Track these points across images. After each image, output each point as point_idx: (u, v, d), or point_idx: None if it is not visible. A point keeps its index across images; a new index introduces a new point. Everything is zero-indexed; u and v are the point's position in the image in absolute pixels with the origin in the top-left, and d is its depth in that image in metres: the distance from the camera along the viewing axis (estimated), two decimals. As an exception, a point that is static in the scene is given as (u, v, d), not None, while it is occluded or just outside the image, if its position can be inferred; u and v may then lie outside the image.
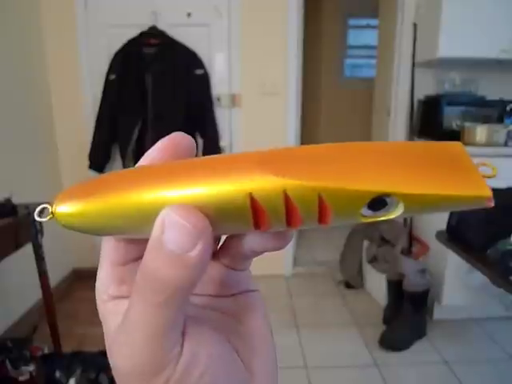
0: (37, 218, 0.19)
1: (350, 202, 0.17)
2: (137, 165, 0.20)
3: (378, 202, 0.17)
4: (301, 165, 0.17)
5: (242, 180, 0.17)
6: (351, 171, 0.17)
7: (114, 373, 0.19)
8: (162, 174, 0.18)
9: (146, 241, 0.17)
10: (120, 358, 0.18)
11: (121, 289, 0.21)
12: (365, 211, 0.18)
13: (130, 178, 0.19)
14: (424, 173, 0.18)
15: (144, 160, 0.20)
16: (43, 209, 0.20)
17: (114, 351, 0.18)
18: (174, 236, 0.16)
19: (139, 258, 0.20)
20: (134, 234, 0.19)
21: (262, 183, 0.17)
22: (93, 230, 0.19)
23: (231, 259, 0.23)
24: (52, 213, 0.19)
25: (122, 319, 0.18)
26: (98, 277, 0.21)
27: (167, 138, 0.20)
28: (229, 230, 0.20)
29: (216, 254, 0.23)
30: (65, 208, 0.18)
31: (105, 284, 0.21)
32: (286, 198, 0.17)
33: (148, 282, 0.16)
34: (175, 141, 0.20)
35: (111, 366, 0.19)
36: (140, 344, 0.17)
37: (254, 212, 0.17)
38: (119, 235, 0.20)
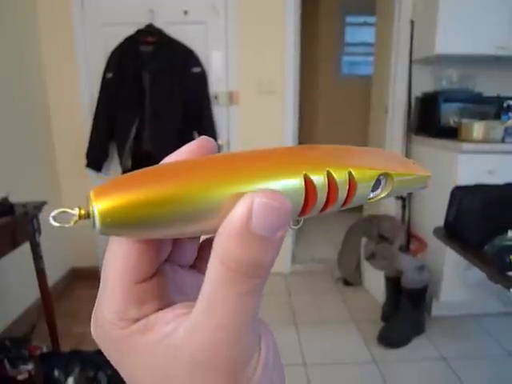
0: (53, 223, 0.16)
1: (369, 179, 0.22)
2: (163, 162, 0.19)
3: (376, 183, 0.23)
4: (327, 155, 0.22)
5: (296, 164, 0.19)
6: (360, 160, 0.23)
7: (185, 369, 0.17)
8: (219, 165, 0.18)
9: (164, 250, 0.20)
10: (209, 359, 0.17)
11: (144, 309, 0.19)
12: (369, 193, 0.23)
13: (184, 169, 0.18)
14: (396, 163, 0.25)
15: (170, 159, 0.20)
16: (61, 213, 0.17)
17: (201, 355, 0.17)
18: (265, 219, 0.15)
19: (157, 272, 0.20)
20: (186, 228, 0.17)
21: (314, 164, 0.20)
22: (141, 225, 0.16)
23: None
24: (87, 214, 0.16)
25: (203, 317, 0.17)
26: (102, 304, 0.19)
27: (194, 142, 0.21)
28: None
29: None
30: (112, 202, 0.15)
31: (119, 310, 0.19)
32: (329, 177, 0.20)
33: (246, 269, 0.16)
34: (202, 143, 0.21)
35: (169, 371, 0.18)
36: (233, 338, 0.17)
37: (307, 190, 0.19)
38: (163, 232, 0.17)
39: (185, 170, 0.17)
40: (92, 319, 0.20)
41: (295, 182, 0.19)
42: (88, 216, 0.16)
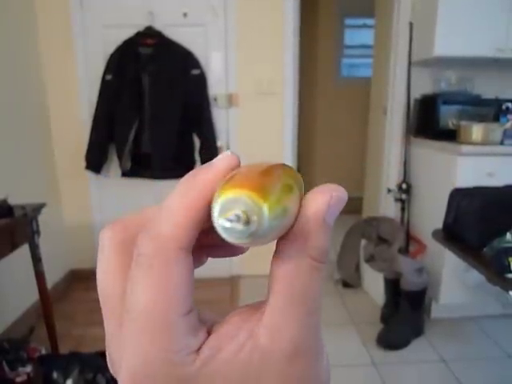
0: (226, 225, 0.14)
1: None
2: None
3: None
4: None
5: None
6: None
7: None
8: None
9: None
10: (300, 341, 0.17)
11: (199, 336, 0.17)
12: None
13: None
14: None
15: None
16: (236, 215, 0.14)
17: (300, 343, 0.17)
18: (337, 211, 0.17)
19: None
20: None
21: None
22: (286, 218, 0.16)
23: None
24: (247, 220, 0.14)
25: (294, 309, 0.17)
26: (155, 347, 0.16)
27: (219, 159, 0.18)
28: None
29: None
30: (270, 204, 0.15)
31: (186, 346, 0.17)
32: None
33: (322, 257, 0.17)
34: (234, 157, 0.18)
35: None
36: (319, 319, 0.18)
37: None
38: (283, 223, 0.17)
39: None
40: (127, 367, 0.17)
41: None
42: (247, 222, 0.14)
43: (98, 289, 0.19)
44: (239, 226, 0.14)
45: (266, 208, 0.14)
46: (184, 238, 0.16)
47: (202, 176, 0.17)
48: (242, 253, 0.21)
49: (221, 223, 0.14)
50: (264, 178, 0.15)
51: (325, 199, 0.16)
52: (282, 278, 0.17)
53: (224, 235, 0.15)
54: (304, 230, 0.17)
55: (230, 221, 0.14)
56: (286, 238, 0.17)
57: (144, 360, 0.16)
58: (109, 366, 0.19)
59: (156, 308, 0.16)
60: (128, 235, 0.19)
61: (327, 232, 0.17)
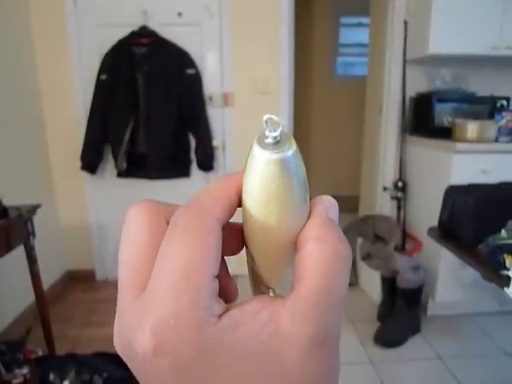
0: (270, 116, 0.18)
1: None
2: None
3: None
4: None
5: None
6: None
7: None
8: None
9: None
10: (326, 326, 0.18)
11: (222, 304, 0.18)
12: None
13: None
14: None
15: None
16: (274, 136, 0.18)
17: (322, 329, 0.18)
18: (336, 212, 0.21)
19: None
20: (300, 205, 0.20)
21: None
22: (301, 177, 0.19)
23: None
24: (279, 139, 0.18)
25: (321, 295, 0.18)
26: (181, 302, 0.17)
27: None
28: None
29: None
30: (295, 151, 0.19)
31: (208, 305, 0.17)
32: None
33: (343, 246, 0.19)
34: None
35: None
36: (343, 305, 0.19)
37: None
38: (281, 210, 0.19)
39: None
40: (151, 328, 0.17)
41: None
42: (277, 142, 0.18)
43: (120, 258, 0.20)
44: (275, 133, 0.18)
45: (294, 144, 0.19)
46: (221, 213, 0.19)
47: (235, 174, 0.21)
48: (238, 252, 0.23)
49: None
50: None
51: (322, 202, 0.21)
52: (307, 268, 0.18)
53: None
54: (317, 223, 0.20)
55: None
56: (305, 232, 0.19)
57: (171, 313, 0.17)
58: (116, 344, 0.19)
59: (190, 264, 0.17)
60: (156, 209, 0.21)
61: (337, 226, 0.20)
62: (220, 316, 0.18)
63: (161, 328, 0.17)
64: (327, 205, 0.21)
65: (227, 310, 0.18)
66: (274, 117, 0.18)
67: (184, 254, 0.17)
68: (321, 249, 0.18)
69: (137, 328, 0.17)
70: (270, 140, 0.18)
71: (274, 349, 0.17)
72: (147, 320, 0.17)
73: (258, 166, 0.18)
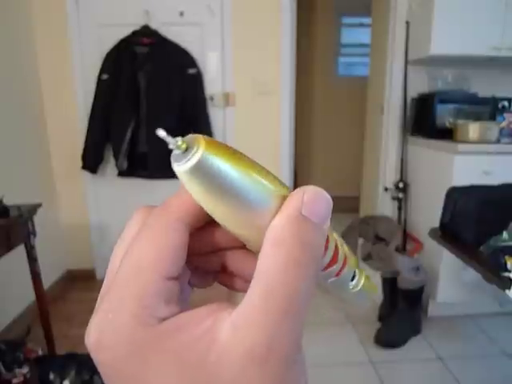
0: (160, 133, 0.17)
1: (354, 264, 0.23)
2: None
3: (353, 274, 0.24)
4: None
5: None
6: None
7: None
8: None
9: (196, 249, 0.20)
10: (266, 342, 0.16)
11: (170, 308, 0.17)
12: (350, 281, 0.24)
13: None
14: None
15: None
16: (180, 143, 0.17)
17: (272, 345, 0.16)
18: (320, 208, 0.17)
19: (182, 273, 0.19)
20: (247, 207, 0.18)
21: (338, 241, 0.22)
22: (226, 181, 0.17)
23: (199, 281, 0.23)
24: (185, 149, 0.17)
25: (263, 305, 0.16)
26: (124, 298, 0.17)
27: None
28: None
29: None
30: (218, 150, 0.17)
31: (151, 305, 0.17)
32: (336, 244, 0.21)
33: (304, 252, 0.17)
34: None
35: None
36: (300, 324, 0.17)
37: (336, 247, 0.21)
38: (231, 210, 0.18)
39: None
40: (95, 322, 0.17)
41: (332, 245, 0.21)
42: (185, 150, 0.17)
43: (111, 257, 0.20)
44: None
45: (202, 148, 0.17)
46: (186, 214, 0.19)
47: None
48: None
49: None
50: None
51: (298, 196, 0.17)
52: (258, 272, 0.17)
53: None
54: (278, 222, 0.17)
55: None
56: (267, 232, 0.17)
57: (112, 308, 0.17)
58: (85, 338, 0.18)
59: (142, 262, 0.17)
60: (151, 211, 0.20)
61: (309, 227, 0.17)
62: (164, 319, 0.17)
63: (102, 323, 0.17)
64: (306, 199, 0.17)
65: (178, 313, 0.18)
66: (160, 132, 0.17)
67: (139, 252, 0.18)
68: (274, 253, 0.16)
69: (89, 323, 0.18)
70: (177, 151, 0.17)
71: (211, 359, 0.16)
72: (95, 315, 0.17)
73: (181, 181, 0.17)
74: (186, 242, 0.19)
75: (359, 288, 0.24)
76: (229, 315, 0.17)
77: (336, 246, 0.21)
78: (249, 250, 0.22)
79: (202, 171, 0.17)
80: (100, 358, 0.17)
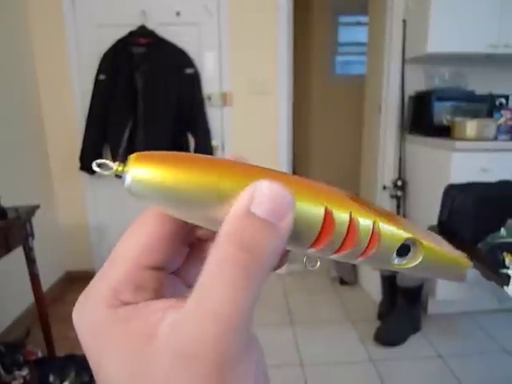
0: (96, 169, 0.18)
1: (393, 238, 0.21)
2: None
3: (404, 249, 0.21)
4: (354, 200, 0.20)
5: (321, 193, 0.19)
6: (394, 219, 0.21)
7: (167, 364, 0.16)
8: (243, 167, 0.19)
9: (177, 244, 0.20)
10: (204, 350, 0.15)
11: (138, 296, 0.18)
12: (394, 256, 0.21)
13: (210, 159, 0.19)
14: (431, 239, 0.22)
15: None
16: (103, 164, 0.18)
17: (193, 344, 0.15)
18: (270, 205, 0.16)
19: (162, 266, 0.20)
20: (198, 210, 0.18)
21: (337, 201, 0.19)
22: (160, 196, 0.17)
23: None
24: (121, 169, 0.18)
25: (197, 303, 0.16)
26: (102, 278, 0.19)
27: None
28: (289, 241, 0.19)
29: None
30: (145, 166, 0.17)
31: (117, 288, 0.18)
32: (351, 220, 0.19)
33: (242, 252, 0.15)
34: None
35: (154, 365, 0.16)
36: (231, 326, 0.15)
37: (323, 224, 0.19)
38: (178, 208, 0.18)
39: (211, 160, 0.18)
40: (82, 294, 0.19)
41: (314, 208, 0.19)
42: (122, 172, 0.18)
43: None
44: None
45: (131, 170, 0.17)
46: None
47: None
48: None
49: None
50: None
51: (248, 193, 0.16)
52: (201, 273, 0.16)
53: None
54: (225, 218, 0.16)
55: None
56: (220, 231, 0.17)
57: (90, 290, 0.19)
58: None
59: (120, 249, 0.19)
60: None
61: (253, 224, 0.16)
62: (128, 304, 0.18)
63: (78, 305, 0.19)
64: (257, 195, 0.16)
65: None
66: (96, 165, 0.18)
67: (121, 242, 0.19)
68: (213, 252, 0.16)
69: None
70: (121, 174, 0.18)
71: (148, 352, 0.16)
72: (86, 289, 0.19)
73: None
74: (168, 234, 0.19)
75: (416, 263, 0.22)
76: (175, 313, 0.16)
77: (351, 229, 0.19)
78: None
79: (137, 188, 0.17)
80: (78, 335, 0.18)
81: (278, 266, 0.20)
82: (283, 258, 0.20)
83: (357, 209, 0.20)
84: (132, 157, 0.18)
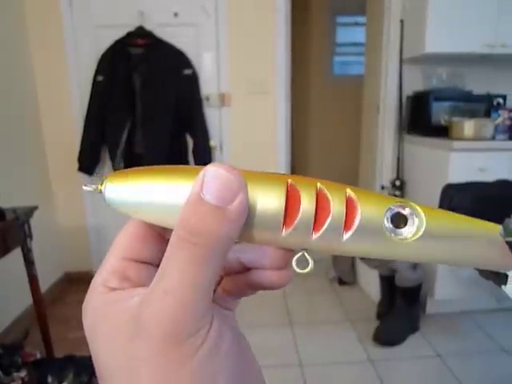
0: (84, 188, 0.22)
1: (373, 201, 0.19)
2: None
3: (399, 218, 0.19)
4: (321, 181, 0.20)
5: (281, 176, 0.19)
6: (371, 192, 0.20)
7: (138, 344, 0.17)
8: (196, 168, 0.20)
9: (161, 242, 0.22)
10: (154, 322, 0.17)
11: (122, 284, 0.21)
12: (387, 224, 0.19)
13: (161, 168, 0.21)
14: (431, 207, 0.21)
15: None
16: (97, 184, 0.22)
17: (146, 316, 0.17)
18: (216, 188, 0.17)
19: (150, 261, 0.22)
20: (162, 213, 0.20)
21: (301, 179, 0.19)
22: (131, 204, 0.21)
23: (233, 286, 0.24)
24: (100, 188, 0.21)
25: (155, 283, 0.18)
26: (99, 270, 0.22)
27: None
28: (258, 227, 0.19)
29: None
30: (112, 183, 0.21)
31: (105, 277, 0.21)
32: (317, 189, 0.19)
33: (190, 236, 0.17)
34: None
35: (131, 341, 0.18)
36: (179, 303, 0.17)
37: (287, 195, 0.19)
38: (150, 213, 0.21)
39: (162, 168, 0.21)
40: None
41: (276, 186, 0.19)
42: (101, 191, 0.21)
43: None
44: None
45: (105, 187, 0.21)
46: None
47: None
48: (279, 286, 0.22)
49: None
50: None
51: (198, 178, 0.17)
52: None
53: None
54: (183, 207, 0.18)
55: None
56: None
57: (92, 283, 0.21)
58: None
59: (113, 245, 0.22)
60: None
61: (202, 209, 0.17)
62: (116, 289, 0.20)
63: (88, 291, 0.21)
64: (206, 179, 0.17)
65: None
66: (85, 189, 0.22)
67: (114, 240, 0.22)
68: (170, 239, 0.18)
69: None
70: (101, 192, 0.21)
71: (122, 324, 0.18)
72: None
73: None
74: (143, 234, 0.22)
75: (421, 234, 0.19)
76: (145, 290, 0.19)
77: (320, 197, 0.19)
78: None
79: (110, 200, 0.21)
80: (83, 321, 0.21)
81: (280, 283, 0.22)
82: (283, 272, 0.22)
83: (324, 182, 0.20)
84: (106, 176, 0.21)
